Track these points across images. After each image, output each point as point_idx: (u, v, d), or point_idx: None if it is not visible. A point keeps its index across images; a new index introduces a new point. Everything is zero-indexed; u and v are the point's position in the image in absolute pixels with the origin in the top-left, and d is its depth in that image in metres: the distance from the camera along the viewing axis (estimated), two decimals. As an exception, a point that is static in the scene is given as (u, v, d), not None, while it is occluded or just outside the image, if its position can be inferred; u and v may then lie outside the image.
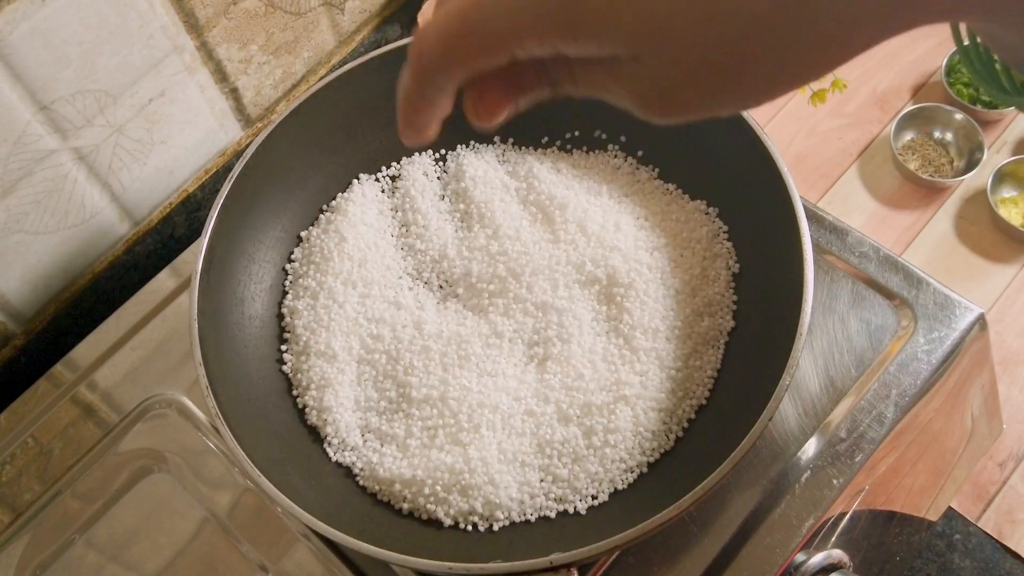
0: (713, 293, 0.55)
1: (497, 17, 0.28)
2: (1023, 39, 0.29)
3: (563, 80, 0.31)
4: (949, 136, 1.30)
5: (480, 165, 0.61)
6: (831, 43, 0.27)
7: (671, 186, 0.60)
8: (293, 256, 0.60)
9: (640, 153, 0.61)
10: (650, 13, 0.27)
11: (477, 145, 0.63)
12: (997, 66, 0.34)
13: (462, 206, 0.60)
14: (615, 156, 0.61)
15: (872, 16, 0.27)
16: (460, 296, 0.57)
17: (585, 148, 0.62)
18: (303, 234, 0.60)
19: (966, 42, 0.35)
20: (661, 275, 0.56)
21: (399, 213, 0.61)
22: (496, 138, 0.63)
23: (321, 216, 0.61)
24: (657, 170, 0.60)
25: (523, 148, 0.63)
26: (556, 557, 0.44)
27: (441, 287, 0.58)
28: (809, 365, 0.55)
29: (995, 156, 1.29)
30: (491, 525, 0.50)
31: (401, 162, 0.63)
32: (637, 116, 0.30)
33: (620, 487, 0.51)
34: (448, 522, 0.50)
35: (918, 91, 1.33)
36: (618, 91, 0.30)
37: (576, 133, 0.62)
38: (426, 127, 0.32)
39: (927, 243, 1.26)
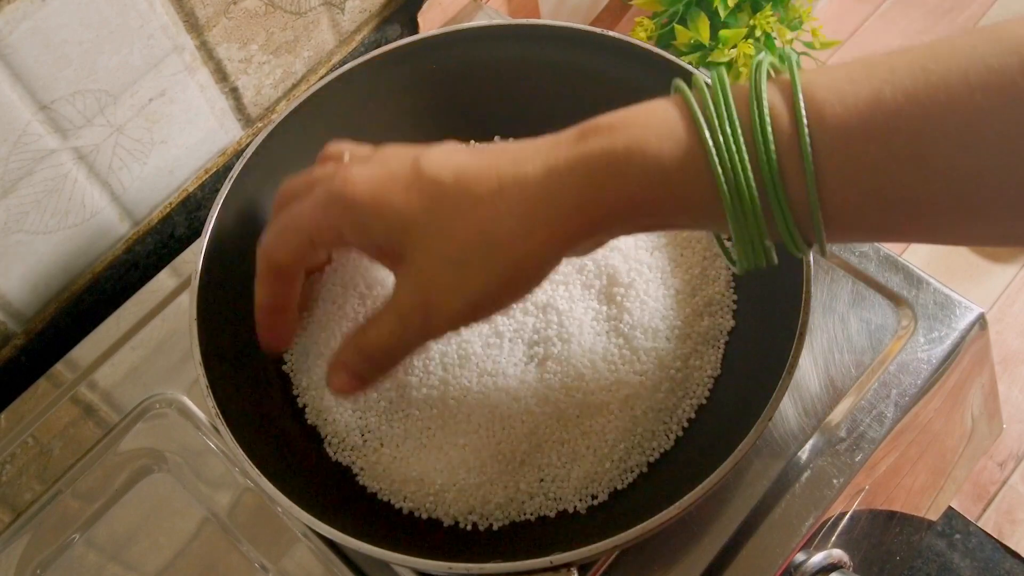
0: (713, 293, 0.55)
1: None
2: (693, 224, 0.43)
3: None
4: (949, 136, 1.30)
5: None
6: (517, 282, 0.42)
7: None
8: (293, 256, 0.60)
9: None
10: (395, 233, 0.40)
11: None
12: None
13: (462, 206, 0.60)
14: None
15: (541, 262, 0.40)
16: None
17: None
18: (303, 234, 0.60)
19: None
20: (661, 275, 0.56)
21: (399, 213, 0.61)
22: (496, 138, 0.63)
23: (321, 216, 0.61)
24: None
25: (523, 148, 0.63)
26: (556, 557, 0.44)
27: (441, 287, 0.58)
28: (809, 365, 0.55)
29: (995, 156, 1.29)
30: (491, 525, 0.50)
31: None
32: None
33: (620, 487, 0.51)
34: (448, 522, 0.50)
35: (918, 91, 1.33)
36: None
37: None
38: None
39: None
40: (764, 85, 0.34)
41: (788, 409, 0.54)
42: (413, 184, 0.39)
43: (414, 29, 0.74)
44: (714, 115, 0.34)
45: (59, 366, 0.61)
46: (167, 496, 0.56)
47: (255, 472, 0.46)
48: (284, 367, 0.56)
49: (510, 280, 0.40)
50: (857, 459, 0.52)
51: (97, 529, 0.55)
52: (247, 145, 0.60)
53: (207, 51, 0.61)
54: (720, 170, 0.34)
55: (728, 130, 0.34)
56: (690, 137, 0.35)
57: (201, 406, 0.58)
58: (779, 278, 0.50)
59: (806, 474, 0.52)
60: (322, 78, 0.58)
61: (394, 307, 0.42)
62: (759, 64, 0.35)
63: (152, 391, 0.59)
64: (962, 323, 0.56)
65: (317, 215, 0.42)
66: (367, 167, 0.41)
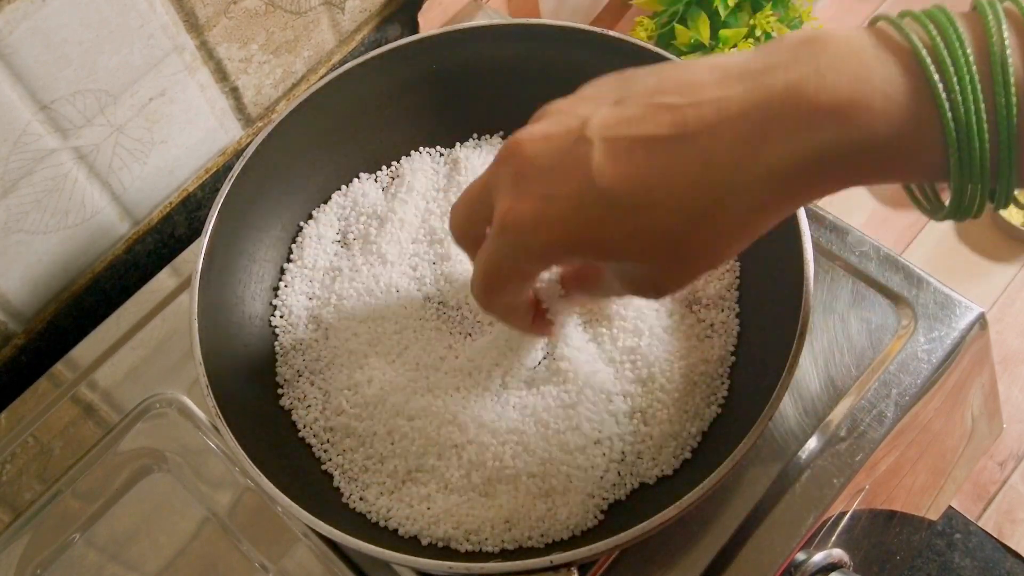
0: (714, 293, 0.55)
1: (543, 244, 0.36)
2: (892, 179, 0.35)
3: (576, 292, 0.46)
4: (949, 135, 1.30)
5: (481, 161, 0.61)
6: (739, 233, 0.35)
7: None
8: (292, 256, 0.60)
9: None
10: (642, 241, 0.34)
11: (478, 142, 0.63)
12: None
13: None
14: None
15: (765, 217, 0.34)
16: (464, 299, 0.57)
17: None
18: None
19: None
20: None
21: (399, 212, 0.61)
22: (501, 132, 0.63)
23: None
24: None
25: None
26: (556, 557, 0.43)
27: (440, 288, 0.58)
28: (809, 364, 0.55)
29: (995, 155, 1.29)
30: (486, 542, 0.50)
31: (401, 160, 0.63)
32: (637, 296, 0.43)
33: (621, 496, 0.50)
34: (444, 544, 0.50)
35: (918, 90, 1.33)
36: (622, 289, 0.40)
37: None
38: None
39: (927, 242, 1.26)
40: (1006, 36, 0.30)
41: (788, 409, 0.54)
42: (593, 207, 0.34)
43: (414, 29, 0.74)
44: (951, 71, 0.30)
45: (59, 366, 0.61)
46: (167, 496, 0.56)
47: (255, 472, 0.46)
48: (282, 401, 0.55)
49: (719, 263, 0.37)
50: (857, 459, 0.52)
51: (97, 529, 0.55)
52: (247, 145, 0.60)
53: (207, 51, 0.61)
54: (954, 134, 0.31)
55: (968, 91, 0.30)
56: (916, 92, 0.31)
57: (201, 406, 0.58)
58: (779, 278, 0.51)
59: (806, 474, 0.52)
60: (322, 78, 0.58)
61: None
62: (992, 5, 0.31)
63: (152, 391, 0.59)
64: (962, 323, 0.56)
65: (514, 268, 0.38)
66: (525, 200, 0.35)
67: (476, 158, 0.62)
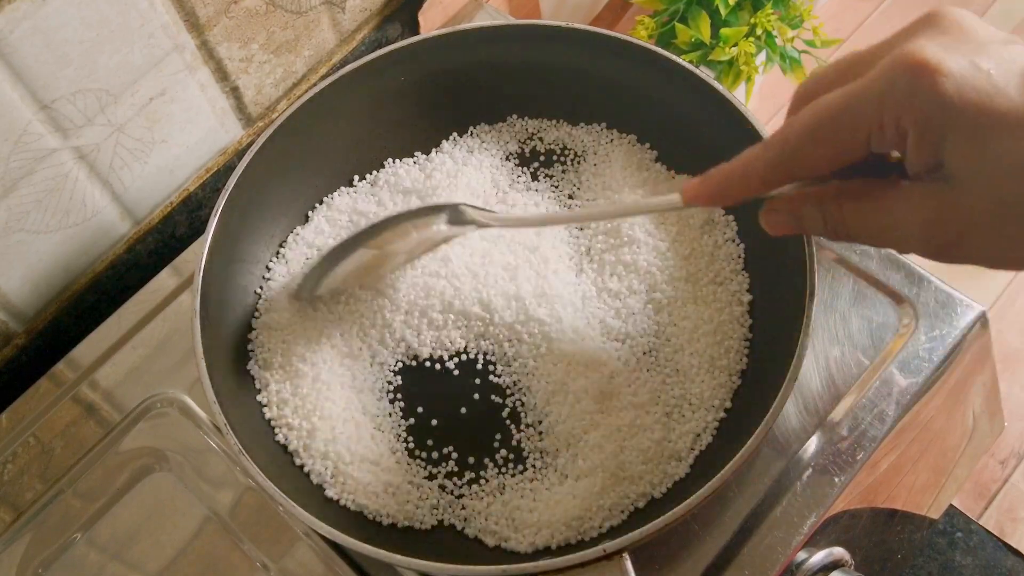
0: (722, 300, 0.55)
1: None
2: None
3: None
4: (950, 134, 1.29)
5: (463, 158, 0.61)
6: None
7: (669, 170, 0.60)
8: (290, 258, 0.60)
9: (637, 140, 0.61)
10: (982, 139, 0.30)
11: (456, 137, 0.63)
12: None
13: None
14: (629, 142, 0.61)
15: None
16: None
17: (582, 124, 0.62)
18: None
19: None
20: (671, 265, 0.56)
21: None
22: (493, 129, 0.63)
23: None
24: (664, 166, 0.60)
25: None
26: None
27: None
28: (811, 363, 0.55)
29: (996, 154, 1.29)
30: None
31: (400, 161, 0.63)
32: (917, 254, 0.34)
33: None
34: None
35: (919, 89, 1.33)
36: (911, 221, 0.34)
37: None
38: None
39: (928, 241, 1.26)
40: None
41: (789, 407, 0.54)
42: None
43: (414, 28, 0.74)
44: None
45: (60, 365, 0.61)
46: (168, 495, 0.56)
47: (256, 472, 0.46)
48: (266, 412, 0.54)
49: None
50: (859, 457, 0.52)
51: (99, 528, 0.55)
52: (248, 144, 0.60)
53: (208, 50, 0.61)
54: None
55: None
56: None
57: (202, 405, 0.58)
58: (781, 277, 0.50)
59: (808, 472, 0.52)
60: (324, 78, 0.58)
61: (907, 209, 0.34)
62: None
63: (153, 390, 0.59)
64: (963, 321, 0.56)
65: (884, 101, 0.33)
66: (957, 58, 0.31)
67: (472, 155, 0.62)
